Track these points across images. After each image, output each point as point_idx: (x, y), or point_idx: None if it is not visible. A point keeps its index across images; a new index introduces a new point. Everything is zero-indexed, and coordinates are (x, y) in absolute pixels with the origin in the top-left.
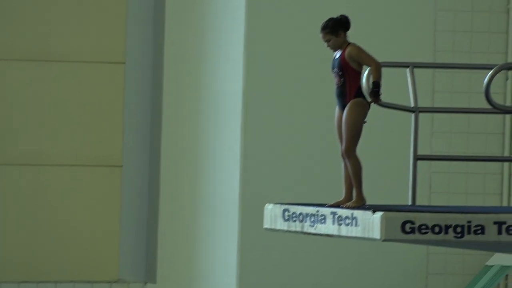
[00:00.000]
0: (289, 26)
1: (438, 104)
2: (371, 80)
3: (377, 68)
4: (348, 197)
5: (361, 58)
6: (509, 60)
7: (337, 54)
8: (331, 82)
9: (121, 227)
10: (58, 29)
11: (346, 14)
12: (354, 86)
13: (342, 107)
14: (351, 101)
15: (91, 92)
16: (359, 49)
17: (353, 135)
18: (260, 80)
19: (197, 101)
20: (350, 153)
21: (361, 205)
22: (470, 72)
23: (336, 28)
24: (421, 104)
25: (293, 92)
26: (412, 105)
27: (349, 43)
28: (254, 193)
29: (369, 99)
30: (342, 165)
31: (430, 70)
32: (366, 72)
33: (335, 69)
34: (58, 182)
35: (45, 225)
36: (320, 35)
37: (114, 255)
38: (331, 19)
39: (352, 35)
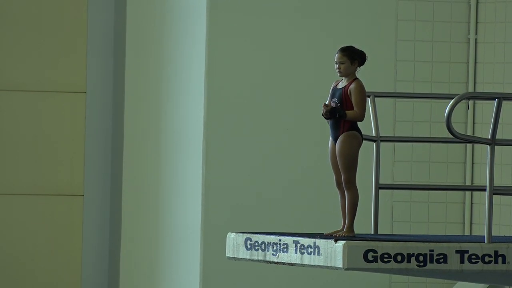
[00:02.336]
0: (250, 57)
1: (399, 133)
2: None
3: (356, 115)
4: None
5: (357, 96)
6: (469, 90)
7: (340, 84)
8: (292, 112)
9: (82, 256)
10: (17, 58)
11: (310, 42)
12: (349, 120)
13: (335, 138)
14: (344, 133)
15: (52, 121)
16: (361, 89)
17: (350, 167)
18: (221, 110)
19: (158, 129)
20: (349, 184)
21: (351, 236)
22: (431, 101)
23: (355, 56)
24: (382, 133)
25: (254, 121)
26: (374, 134)
27: (356, 78)
28: (216, 222)
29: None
30: (339, 195)
31: (391, 100)
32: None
33: (334, 99)
34: (18, 211)
35: (3, 256)
36: (336, 55)
37: (75, 286)
38: (353, 46)
39: (314, 65)
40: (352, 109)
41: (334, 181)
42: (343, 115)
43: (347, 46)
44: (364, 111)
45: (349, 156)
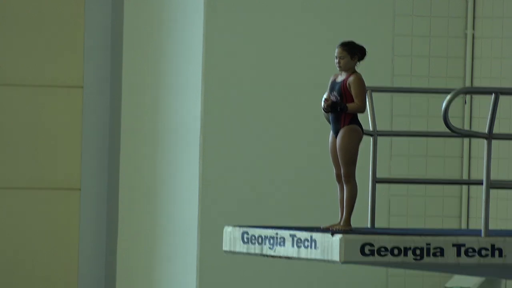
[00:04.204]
0: (247, 54)
1: (396, 128)
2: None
3: (358, 108)
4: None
5: (356, 89)
6: (467, 85)
7: (339, 78)
8: (289, 108)
9: (79, 251)
10: (15, 53)
11: (307, 38)
12: (349, 113)
13: (336, 132)
14: (345, 127)
15: (49, 116)
16: (360, 81)
17: (349, 161)
18: (218, 106)
19: (155, 124)
20: (349, 178)
21: (348, 229)
22: (428, 96)
23: (355, 51)
24: (379, 127)
25: (251, 116)
26: (371, 128)
27: (355, 71)
28: (213, 215)
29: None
30: (338, 188)
31: (388, 94)
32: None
33: (334, 93)
34: (15, 205)
35: (0, 249)
36: (336, 50)
37: (72, 280)
38: (353, 41)
39: (310, 60)
40: (352, 101)
41: (334, 175)
42: (344, 108)
43: (347, 41)
44: (365, 103)
45: (350, 150)
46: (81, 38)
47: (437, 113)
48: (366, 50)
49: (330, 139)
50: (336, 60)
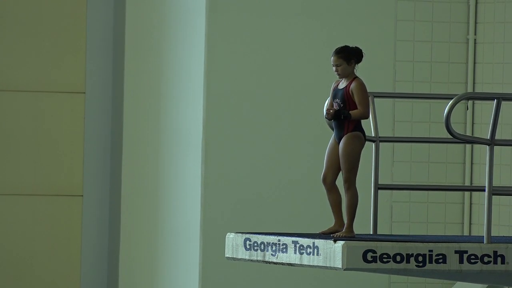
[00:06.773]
0: (249, 57)
1: (398, 134)
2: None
3: (361, 114)
4: (340, 223)
5: (358, 95)
6: (469, 90)
7: (341, 84)
8: (292, 111)
9: (81, 257)
10: (17, 59)
11: (309, 42)
12: (353, 120)
13: (338, 138)
14: (348, 133)
15: (51, 122)
16: (362, 87)
17: (351, 167)
18: (220, 110)
19: (157, 130)
20: (349, 184)
21: (350, 236)
22: (430, 102)
23: (350, 56)
24: (381, 133)
25: (253, 120)
26: (373, 134)
27: (356, 77)
28: (215, 222)
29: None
30: (326, 191)
31: (390, 100)
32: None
33: (337, 100)
34: (17, 212)
35: (3, 256)
36: (332, 58)
37: (75, 286)
38: (347, 46)
39: (312, 65)
40: (356, 108)
41: (322, 175)
42: (348, 116)
43: (341, 47)
44: (368, 108)
45: (352, 156)
46: (83, 43)
47: (439, 119)
48: (362, 50)
49: (330, 141)
50: (334, 68)
